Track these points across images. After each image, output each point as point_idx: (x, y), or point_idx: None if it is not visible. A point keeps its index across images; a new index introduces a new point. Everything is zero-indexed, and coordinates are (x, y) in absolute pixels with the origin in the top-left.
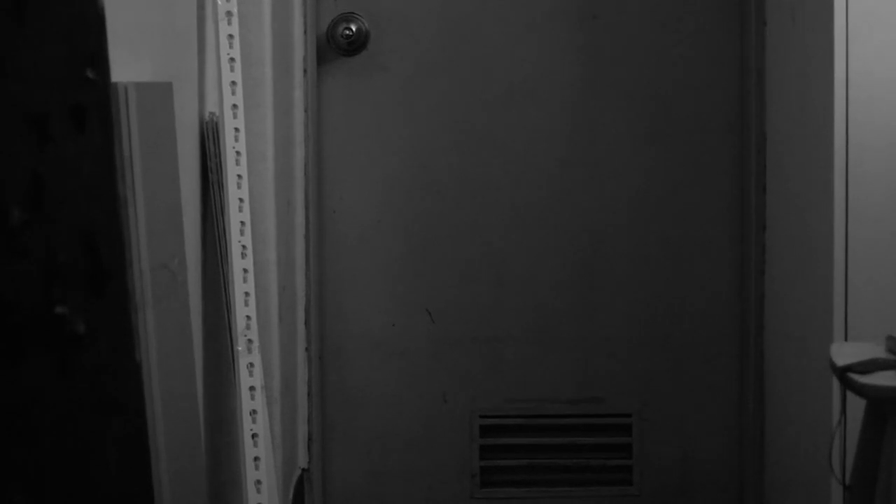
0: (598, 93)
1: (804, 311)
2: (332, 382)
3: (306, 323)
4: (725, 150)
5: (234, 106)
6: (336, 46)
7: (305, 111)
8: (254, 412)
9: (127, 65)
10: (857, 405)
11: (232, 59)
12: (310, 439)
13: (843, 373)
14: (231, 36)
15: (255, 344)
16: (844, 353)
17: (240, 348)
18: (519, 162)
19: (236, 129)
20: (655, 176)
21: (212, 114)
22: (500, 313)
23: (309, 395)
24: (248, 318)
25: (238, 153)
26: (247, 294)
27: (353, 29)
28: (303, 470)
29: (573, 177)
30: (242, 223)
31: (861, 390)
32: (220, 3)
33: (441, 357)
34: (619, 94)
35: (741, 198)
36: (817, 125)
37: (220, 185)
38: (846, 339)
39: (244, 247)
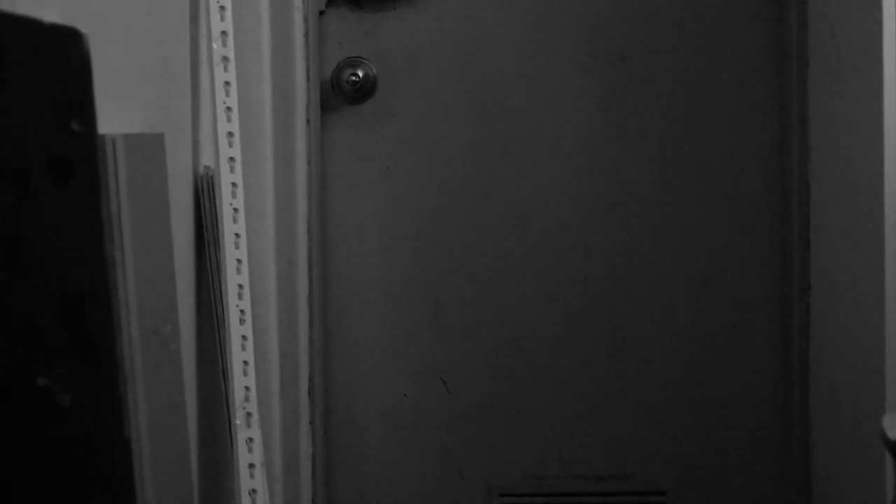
0: (626, 140)
1: (853, 379)
2: (338, 458)
3: (310, 393)
4: (765, 201)
5: (231, 159)
6: (341, 93)
7: (308, 163)
8: (253, 491)
9: (115, 115)
10: None
11: (229, 108)
12: None
13: None
14: (228, 83)
15: (255, 417)
16: None
17: (238, 422)
18: (542, 217)
19: (233, 184)
20: (688, 231)
21: (207, 167)
22: (519, 381)
23: (314, 472)
24: (247, 388)
25: (235, 210)
26: (245, 363)
27: (360, 75)
28: None
29: (600, 234)
30: (240, 286)
31: None
32: (215, 47)
33: (457, 429)
34: (647, 142)
35: (783, 254)
36: (866, 175)
37: (217, 245)
38: None
39: (242, 311)
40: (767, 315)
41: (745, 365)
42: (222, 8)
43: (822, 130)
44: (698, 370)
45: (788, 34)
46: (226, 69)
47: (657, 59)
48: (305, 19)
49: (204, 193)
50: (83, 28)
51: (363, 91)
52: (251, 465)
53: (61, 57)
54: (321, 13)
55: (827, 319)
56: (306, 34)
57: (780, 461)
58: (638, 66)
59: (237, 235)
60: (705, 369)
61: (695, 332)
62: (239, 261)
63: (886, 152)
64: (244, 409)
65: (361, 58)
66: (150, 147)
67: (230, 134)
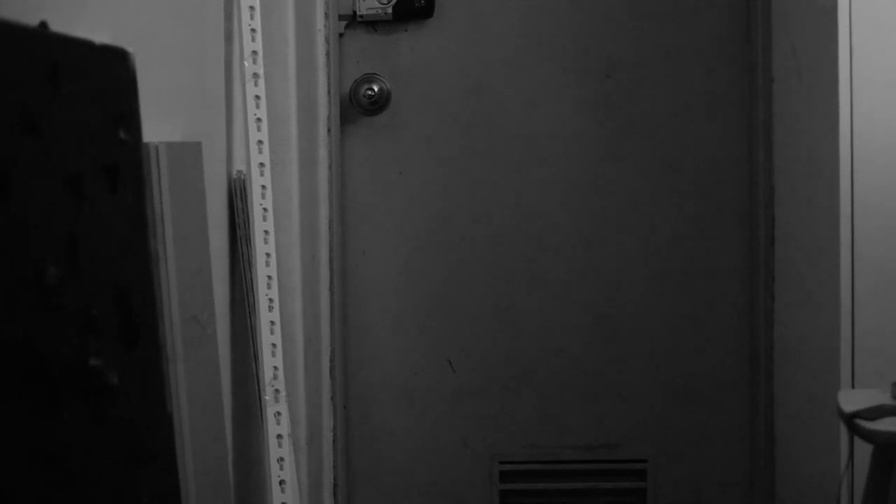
0: (614, 151)
1: (812, 360)
2: (356, 430)
3: (331, 373)
4: (736, 205)
5: (261, 164)
6: (359, 106)
7: (329, 168)
8: (281, 459)
9: (158, 125)
10: (864, 450)
11: (259, 119)
12: (335, 486)
13: (850, 419)
14: (258, 97)
15: (283, 393)
16: (852, 400)
17: (267, 398)
18: (538, 217)
19: (263, 187)
20: (668, 230)
21: (239, 171)
22: (519, 363)
23: (334, 442)
24: (276, 368)
25: (265, 209)
26: (274, 345)
27: (375, 89)
28: None
29: (591, 232)
30: (269, 277)
31: (868, 436)
32: (247, 65)
33: (462, 405)
34: (632, 152)
35: (751, 251)
36: (824, 180)
37: (248, 241)
38: (853, 387)
39: (271, 300)
40: (737, 305)
41: (719, 349)
42: (253, 30)
43: (785, 140)
44: (677, 354)
45: (755, 54)
46: (256, 84)
47: (638, 77)
48: (327, 40)
49: (237, 195)
50: (130, 48)
51: (378, 104)
52: (279, 436)
53: (110, 74)
54: (341, 35)
55: (790, 308)
56: (327, 53)
57: (747, 435)
58: (622, 83)
59: (266, 232)
60: (683, 353)
61: (674, 321)
62: (268, 255)
63: (841, 158)
64: (273, 386)
65: (377, 74)
66: (188, 154)
67: (260, 142)
